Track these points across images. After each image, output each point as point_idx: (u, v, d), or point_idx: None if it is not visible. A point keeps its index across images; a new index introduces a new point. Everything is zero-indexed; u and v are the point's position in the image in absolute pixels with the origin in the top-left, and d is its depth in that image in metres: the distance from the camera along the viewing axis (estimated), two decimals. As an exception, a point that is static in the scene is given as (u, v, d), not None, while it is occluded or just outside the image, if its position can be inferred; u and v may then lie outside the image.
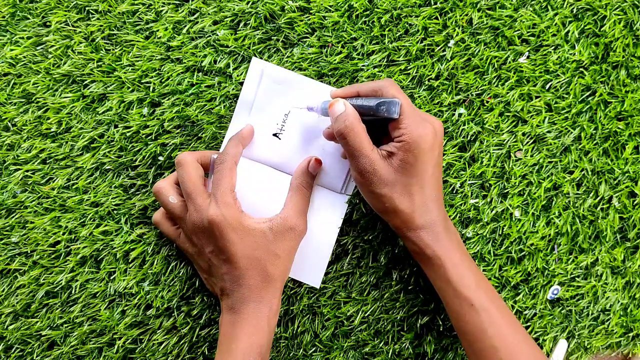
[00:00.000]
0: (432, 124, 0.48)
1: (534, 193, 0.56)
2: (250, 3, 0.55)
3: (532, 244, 0.56)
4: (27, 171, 0.56)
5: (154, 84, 0.55)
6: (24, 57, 0.56)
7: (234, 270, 0.50)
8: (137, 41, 0.56)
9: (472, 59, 0.56)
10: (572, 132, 0.56)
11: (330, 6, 0.55)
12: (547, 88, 0.56)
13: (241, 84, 0.55)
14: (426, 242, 0.48)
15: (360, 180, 0.49)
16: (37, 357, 0.55)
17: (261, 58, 0.55)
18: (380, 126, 0.50)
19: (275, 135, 0.55)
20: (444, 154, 0.56)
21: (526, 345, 0.47)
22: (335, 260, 0.56)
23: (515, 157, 0.56)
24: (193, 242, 0.52)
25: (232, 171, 0.51)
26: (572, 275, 0.57)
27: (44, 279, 0.55)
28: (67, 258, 0.56)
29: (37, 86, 0.56)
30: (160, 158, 0.56)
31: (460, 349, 0.56)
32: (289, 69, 0.55)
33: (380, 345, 0.56)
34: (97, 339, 0.55)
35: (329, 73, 0.55)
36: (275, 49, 0.56)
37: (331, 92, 0.52)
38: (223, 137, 0.56)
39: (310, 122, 0.55)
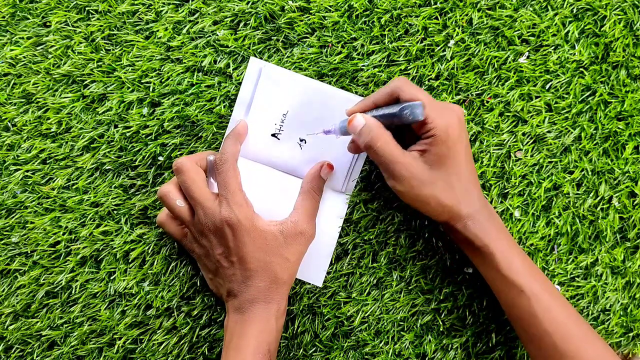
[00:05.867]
0: (454, 111, 0.48)
1: (534, 193, 0.56)
2: (250, 3, 0.55)
3: (532, 244, 0.56)
4: (27, 171, 0.56)
5: (154, 84, 0.55)
6: (24, 57, 0.56)
7: (244, 272, 0.50)
8: (137, 41, 0.56)
9: (472, 59, 0.56)
10: (572, 132, 0.56)
11: (330, 6, 0.55)
12: (547, 88, 0.56)
13: (241, 84, 0.55)
14: (474, 232, 0.48)
15: (400, 189, 0.48)
16: (37, 357, 0.55)
17: (261, 58, 0.55)
18: (401, 128, 0.50)
19: (273, 135, 0.55)
20: None
21: (579, 328, 0.47)
22: (336, 260, 0.56)
23: (515, 157, 0.56)
24: (201, 244, 0.52)
25: (235, 170, 0.51)
26: (572, 275, 0.57)
27: (44, 279, 0.55)
28: (67, 258, 0.56)
29: (37, 86, 0.56)
30: (160, 158, 0.56)
31: (460, 348, 0.56)
32: (289, 69, 0.55)
33: (381, 345, 0.56)
34: (97, 339, 0.55)
35: (329, 73, 0.55)
36: (275, 49, 0.56)
37: (346, 111, 0.51)
38: (223, 137, 0.56)
39: (308, 122, 0.55)
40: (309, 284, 0.56)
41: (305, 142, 0.55)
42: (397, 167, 0.47)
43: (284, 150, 0.55)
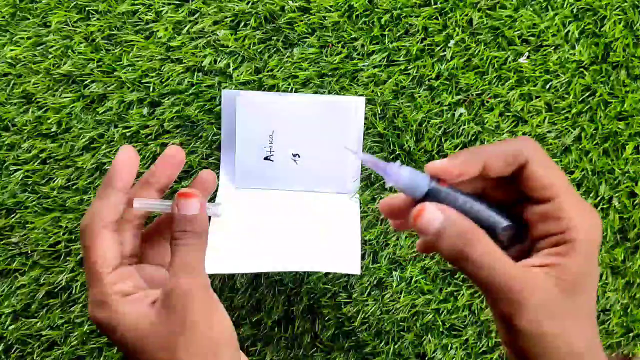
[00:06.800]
0: (594, 212, 0.32)
1: (534, 193, 0.56)
2: (250, 3, 0.55)
3: (532, 244, 0.56)
4: (27, 171, 0.56)
5: (154, 84, 0.55)
6: (24, 57, 0.56)
7: None
8: (137, 41, 0.56)
9: (472, 59, 0.56)
10: (572, 132, 0.56)
11: (330, 6, 0.55)
12: (547, 88, 0.56)
13: (241, 83, 0.55)
14: None
15: (519, 323, 0.30)
16: (37, 357, 0.55)
17: (261, 58, 0.55)
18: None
19: (266, 158, 0.55)
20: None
21: None
22: (336, 260, 0.56)
23: (516, 157, 0.56)
24: None
25: (97, 240, 0.35)
26: (572, 275, 0.57)
27: (44, 279, 0.55)
28: (67, 258, 0.56)
29: (37, 86, 0.56)
30: (161, 158, 0.56)
31: (460, 348, 0.56)
32: (289, 69, 0.55)
33: (381, 345, 0.56)
34: (97, 339, 0.55)
35: (329, 73, 0.55)
36: (275, 49, 0.56)
37: (431, 167, 0.31)
38: (220, 141, 0.55)
39: (297, 137, 0.54)
40: (310, 283, 0.56)
41: (299, 156, 0.55)
42: (514, 288, 0.30)
43: (279, 169, 0.55)
